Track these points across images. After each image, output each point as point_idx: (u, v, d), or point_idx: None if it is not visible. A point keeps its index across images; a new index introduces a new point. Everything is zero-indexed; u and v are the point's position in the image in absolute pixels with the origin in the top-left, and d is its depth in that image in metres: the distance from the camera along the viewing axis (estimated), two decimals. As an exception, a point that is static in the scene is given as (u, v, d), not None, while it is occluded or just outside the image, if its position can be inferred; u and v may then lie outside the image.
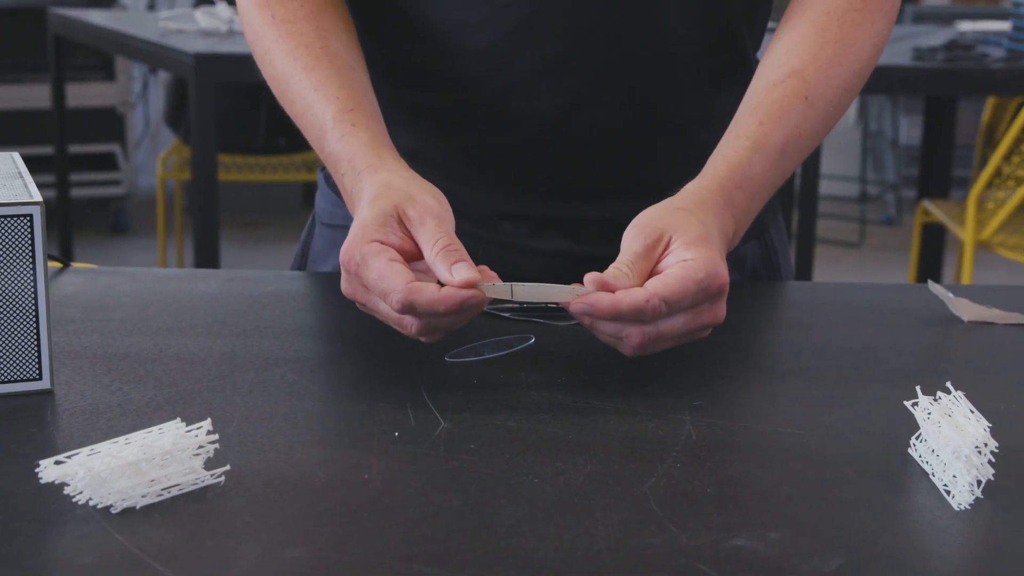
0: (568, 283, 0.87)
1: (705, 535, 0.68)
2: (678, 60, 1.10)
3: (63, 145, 3.85)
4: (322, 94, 1.00)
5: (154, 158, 4.99)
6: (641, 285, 0.86)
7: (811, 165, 3.12)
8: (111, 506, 0.69)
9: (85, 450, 0.70)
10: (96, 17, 3.76)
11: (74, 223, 4.17)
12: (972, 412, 0.76)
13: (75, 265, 1.15)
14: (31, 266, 0.84)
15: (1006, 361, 0.98)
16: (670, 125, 1.12)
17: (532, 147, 1.10)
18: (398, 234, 0.89)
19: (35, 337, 0.85)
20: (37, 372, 0.85)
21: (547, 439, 0.80)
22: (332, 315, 1.06)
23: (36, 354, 0.85)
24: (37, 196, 0.84)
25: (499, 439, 0.80)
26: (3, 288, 0.83)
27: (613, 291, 0.86)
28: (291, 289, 1.12)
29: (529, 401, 0.86)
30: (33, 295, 0.84)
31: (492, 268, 0.89)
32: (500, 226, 1.13)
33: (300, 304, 1.09)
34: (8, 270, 0.83)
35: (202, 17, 3.21)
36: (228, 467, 0.73)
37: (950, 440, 0.74)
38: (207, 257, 2.91)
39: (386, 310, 0.87)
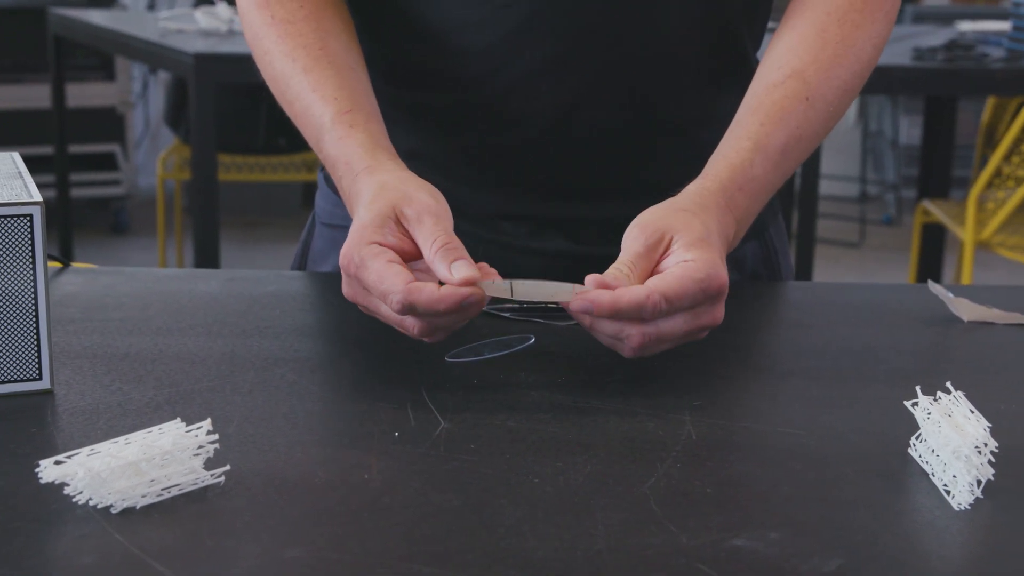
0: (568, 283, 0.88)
1: (705, 535, 0.68)
2: (678, 60, 1.10)
3: (63, 145, 3.85)
4: (320, 95, 1.00)
5: (154, 158, 4.99)
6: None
7: (811, 165, 3.12)
8: (111, 506, 0.69)
9: (85, 450, 0.70)
10: (96, 17, 3.76)
11: (74, 223, 4.17)
12: (972, 412, 0.76)
13: (75, 265, 1.15)
14: (31, 266, 0.84)
15: (1006, 361, 0.98)
16: (670, 125, 1.12)
17: (532, 147, 1.10)
18: (396, 234, 0.89)
19: (35, 337, 0.85)
20: (37, 372, 0.85)
21: (547, 439, 0.80)
22: (332, 315, 1.06)
23: (36, 354, 0.85)
24: (37, 196, 0.84)
25: (499, 439, 0.80)
26: (3, 288, 0.83)
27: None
28: (291, 289, 1.12)
29: (529, 401, 0.86)
30: (33, 295, 0.84)
31: (492, 267, 0.89)
32: (500, 226, 1.13)
33: (300, 304, 1.09)
34: (8, 270, 0.83)
35: (202, 17, 3.21)
36: (228, 467, 0.73)
37: (950, 440, 0.74)
38: (207, 257, 2.91)
39: (387, 312, 0.87)
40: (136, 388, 0.87)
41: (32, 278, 0.84)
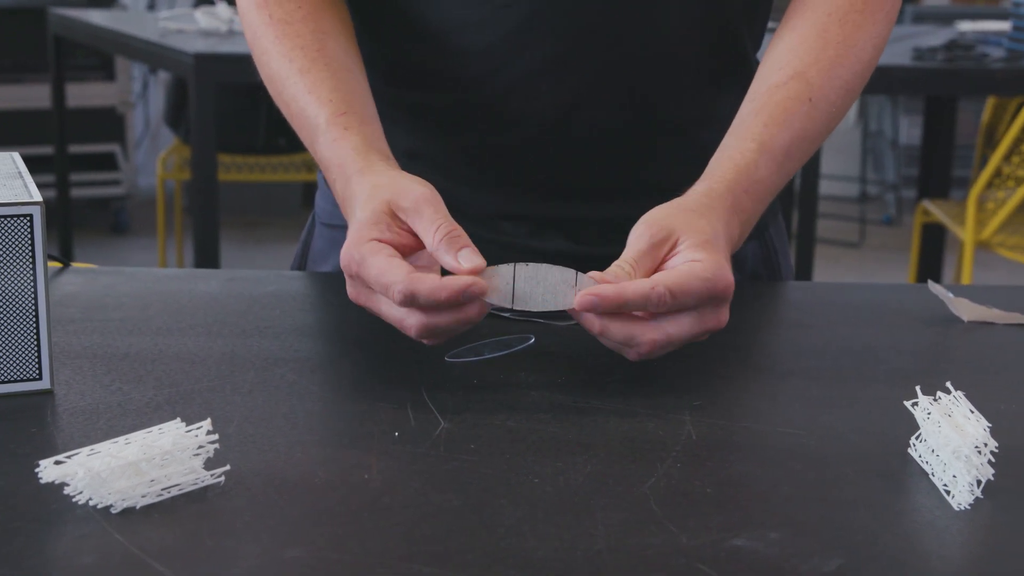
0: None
1: (705, 535, 0.68)
2: (678, 60, 1.10)
3: (63, 145, 3.85)
4: (315, 97, 1.00)
5: (154, 158, 4.99)
6: None
7: (811, 165, 3.12)
8: (111, 506, 0.69)
9: (85, 450, 0.70)
10: (96, 17, 3.76)
11: (74, 223, 4.17)
12: (972, 412, 0.76)
13: (75, 265, 1.15)
14: (31, 266, 0.84)
15: (1006, 361, 0.98)
16: (670, 125, 1.12)
17: (532, 147, 1.10)
18: (394, 230, 0.89)
19: (35, 337, 0.85)
20: (37, 372, 0.85)
21: (547, 439, 0.80)
22: (332, 315, 1.06)
23: (36, 354, 0.85)
24: (37, 196, 0.84)
25: (499, 439, 0.80)
26: (3, 288, 0.83)
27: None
28: (291, 289, 1.12)
29: (529, 401, 0.86)
30: (33, 295, 0.84)
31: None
32: (500, 226, 1.13)
33: (300, 304, 1.09)
34: (8, 270, 0.83)
35: (202, 17, 3.21)
36: (228, 467, 0.73)
37: (950, 440, 0.74)
38: (207, 257, 2.91)
39: (388, 309, 0.87)
40: (136, 388, 0.87)
41: (32, 278, 0.84)
